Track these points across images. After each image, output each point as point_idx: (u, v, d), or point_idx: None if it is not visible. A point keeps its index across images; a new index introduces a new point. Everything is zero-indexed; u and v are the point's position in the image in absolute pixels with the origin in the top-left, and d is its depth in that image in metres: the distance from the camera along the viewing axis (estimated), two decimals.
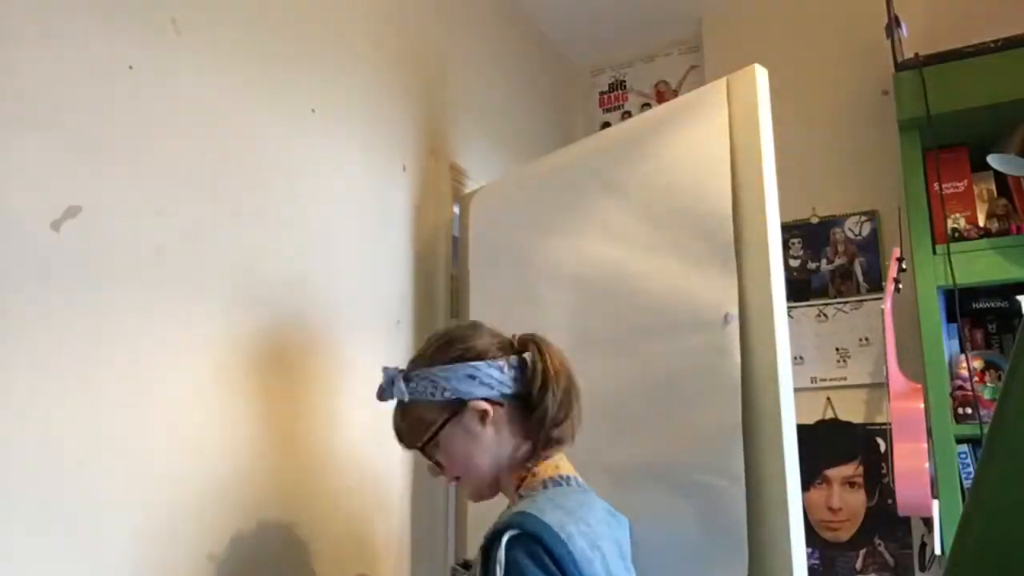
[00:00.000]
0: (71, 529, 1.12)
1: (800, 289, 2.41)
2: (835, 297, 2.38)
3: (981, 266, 1.99)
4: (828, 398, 2.35)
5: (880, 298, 2.24)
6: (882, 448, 2.26)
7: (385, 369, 1.24)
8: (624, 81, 2.95)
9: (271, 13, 1.57)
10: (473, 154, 2.23)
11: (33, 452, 1.08)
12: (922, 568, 2.16)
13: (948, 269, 1.97)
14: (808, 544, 2.02)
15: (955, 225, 2.08)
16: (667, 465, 1.47)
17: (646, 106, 2.86)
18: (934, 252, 2.03)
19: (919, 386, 1.96)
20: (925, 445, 1.90)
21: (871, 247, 2.37)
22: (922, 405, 1.93)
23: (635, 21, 2.78)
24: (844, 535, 2.26)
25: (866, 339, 2.33)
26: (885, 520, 2.21)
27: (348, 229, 1.71)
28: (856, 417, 2.31)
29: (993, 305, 2.11)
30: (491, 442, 1.20)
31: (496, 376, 1.19)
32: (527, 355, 1.20)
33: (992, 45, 2.01)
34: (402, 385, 1.21)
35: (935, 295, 2.00)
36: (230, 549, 1.35)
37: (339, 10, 1.76)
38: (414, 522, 1.80)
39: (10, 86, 1.10)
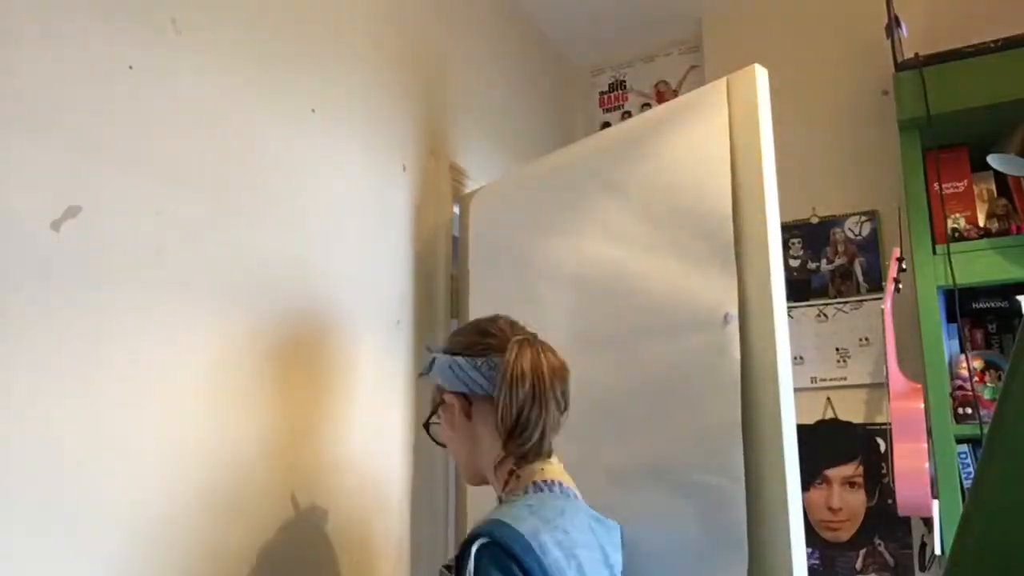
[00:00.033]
0: (71, 529, 1.12)
1: (800, 289, 2.41)
2: (835, 297, 2.38)
3: (981, 266, 1.99)
4: (828, 398, 2.35)
5: (880, 298, 2.25)
6: (882, 448, 2.26)
7: (427, 348, 1.36)
8: (624, 81, 2.95)
9: (271, 13, 1.57)
10: (473, 154, 2.23)
11: (33, 452, 1.08)
12: (922, 568, 2.16)
13: (948, 269, 1.97)
14: (808, 544, 2.02)
15: (955, 225, 2.08)
16: (667, 465, 1.46)
17: (646, 106, 2.86)
18: (934, 252, 2.03)
19: (919, 386, 1.96)
20: (925, 445, 1.90)
21: (871, 247, 2.37)
22: (922, 405, 1.93)
23: (635, 21, 2.78)
24: (844, 535, 2.26)
25: (866, 339, 2.33)
26: (885, 520, 2.21)
27: (348, 229, 1.71)
28: (856, 417, 2.31)
29: (993, 305, 2.11)
30: (468, 435, 1.25)
31: (471, 374, 1.22)
32: (503, 356, 1.20)
33: (992, 45, 2.01)
34: (427, 363, 1.31)
35: (935, 295, 2.00)
36: (230, 549, 1.35)
37: (339, 10, 1.76)
38: (414, 523, 1.80)
39: (10, 86, 1.10)
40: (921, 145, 2.09)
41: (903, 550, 2.19)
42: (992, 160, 1.98)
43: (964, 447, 1.97)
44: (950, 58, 2.04)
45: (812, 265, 2.43)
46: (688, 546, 1.40)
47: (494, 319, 1.29)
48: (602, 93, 2.99)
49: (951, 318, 2.07)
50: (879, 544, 2.22)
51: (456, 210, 2.08)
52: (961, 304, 2.03)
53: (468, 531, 1.10)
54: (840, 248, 2.40)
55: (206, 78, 1.41)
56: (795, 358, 2.33)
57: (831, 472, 2.30)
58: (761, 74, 1.47)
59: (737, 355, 1.39)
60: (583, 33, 2.83)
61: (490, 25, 2.48)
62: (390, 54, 1.92)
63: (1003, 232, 2.03)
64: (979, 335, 2.12)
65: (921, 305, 2.00)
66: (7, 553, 1.04)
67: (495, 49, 2.48)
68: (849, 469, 2.28)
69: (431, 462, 1.87)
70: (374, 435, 1.71)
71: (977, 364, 2.07)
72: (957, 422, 1.97)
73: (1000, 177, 2.12)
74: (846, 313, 2.37)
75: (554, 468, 1.21)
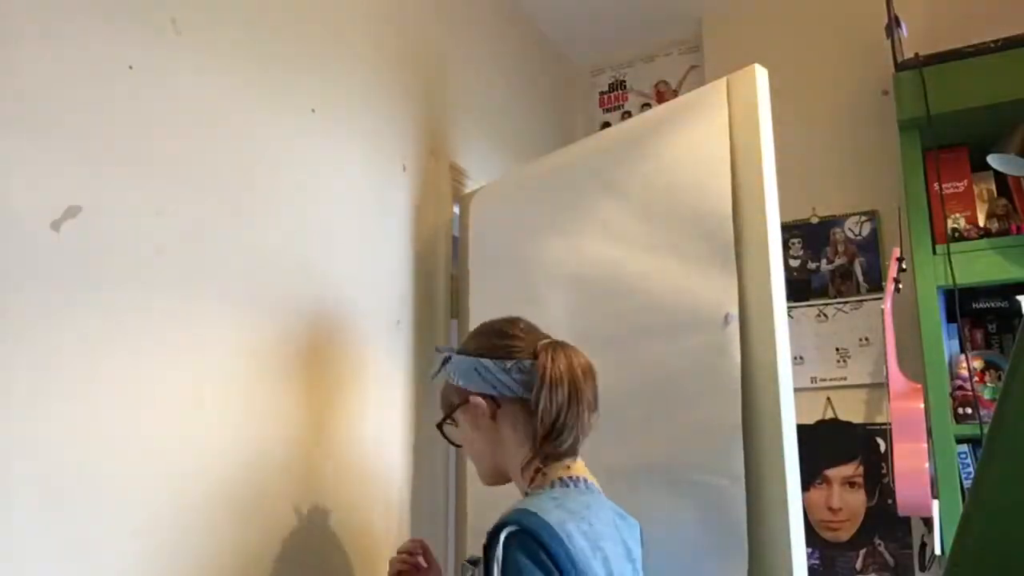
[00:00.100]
0: (71, 529, 1.12)
1: (800, 289, 2.41)
2: (835, 297, 2.39)
3: (981, 266, 1.99)
4: (828, 398, 2.35)
5: (880, 298, 2.24)
6: (882, 448, 2.26)
7: (437, 349, 1.36)
8: (624, 81, 2.95)
9: (271, 13, 1.57)
10: (473, 154, 2.23)
11: (33, 452, 1.08)
12: (922, 568, 2.16)
13: (948, 269, 1.97)
14: (808, 544, 2.02)
15: (955, 225, 2.08)
16: (667, 465, 1.47)
17: (646, 106, 2.86)
18: (934, 252, 2.03)
19: (919, 386, 1.96)
20: (925, 445, 1.90)
21: (871, 247, 2.37)
22: (922, 405, 1.93)
23: (635, 21, 2.78)
24: (844, 535, 2.26)
25: (866, 339, 2.33)
26: (885, 520, 2.21)
27: (348, 229, 1.71)
28: (856, 417, 2.31)
29: (993, 305, 2.11)
30: (492, 436, 1.25)
31: (500, 377, 1.22)
32: (537, 361, 1.21)
33: (992, 45, 2.01)
34: (438, 365, 1.31)
35: (935, 295, 2.00)
36: (229, 549, 1.35)
37: (339, 10, 1.76)
38: (414, 523, 1.80)
39: (10, 86, 1.10)
40: (921, 145, 2.09)
41: (903, 550, 2.19)
42: (992, 160, 1.98)
43: (964, 447, 1.97)
44: (950, 58, 2.04)
45: (812, 265, 2.43)
46: (688, 546, 1.41)
47: (513, 321, 1.29)
48: (602, 93, 2.99)
49: (951, 318, 2.07)
50: (879, 544, 2.22)
51: (456, 210, 2.08)
52: (961, 304, 2.03)
53: (494, 523, 1.09)
54: (840, 248, 2.40)
55: (206, 78, 1.41)
56: (795, 358, 2.33)
57: (831, 472, 2.30)
58: (761, 74, 1.47)
59: (737, 355, 1.39)
60: (583, 33, 2.83)
61: (490, 25, 2.48)
62: (390, 54, 1.92)
63: (1003, 232, 2.03)
64: (979, 335, 2.12)
65: (921, 305, 2.01)
66: (7, 553, 1.04)
67: (495, 49, 2.48)
68: (849, 469, 2.28)
69: (431, 462, 1.87)
70: (374, 435, 1.71)
71: (977, 364, 2.07)
72: (957, 422, 1.97)
73: (1000, 177, 2.12)
74: (846, 313, 2.37)
75: (579, 466, 1.22)
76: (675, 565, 1.41)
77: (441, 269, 2.00)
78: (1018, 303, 2.07)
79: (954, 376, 2.03)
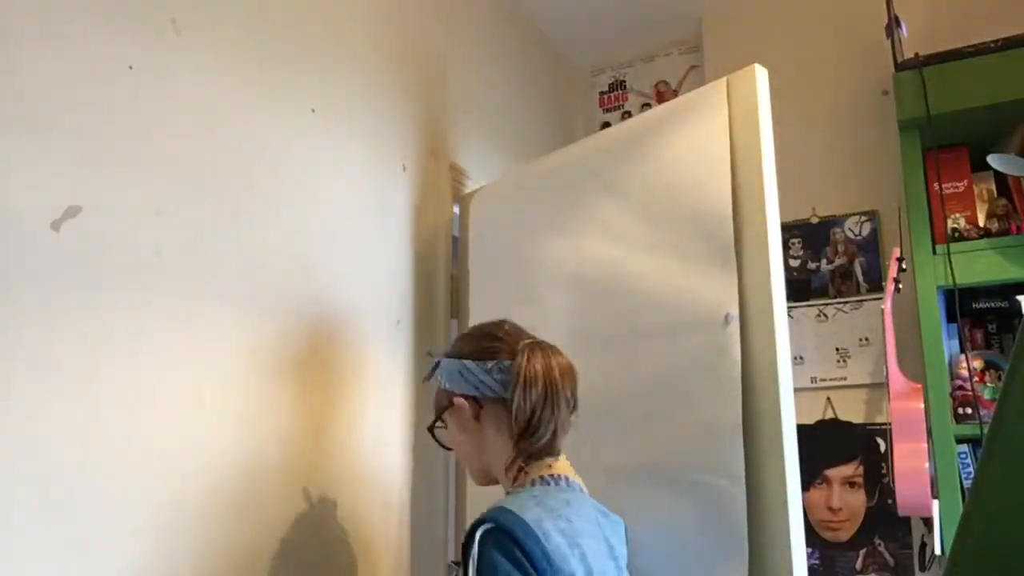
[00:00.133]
0: (71, 529, 1.12)
1: (800, 289, 2.41)
2: (835, 297, 2.38)
3: (981, 266, 1.99)
4: (828, 398, 2.35)
5: (880, 298, 2.24)
6: (882, 448, 2.26)
7: (428, 352, 1.39)
8: (624, 81, 2.95)
9: (271, 13, 1.57)
10: (473, 154, 2.23)
11: (33, 452, 1.08)
12: (922, 568, 2.16)
13: (948, 269, 1.97)
14: (808, 544, 2.02)
15: (955, 225, 2.08)
16: (667, 465, 1.46)
17: (646, 106, 2.86)
18: (934, 252, 2.03)
19: (919, 386, 1.96)
20: (925, 445, 1.90)
21: (871, 247, 2.37)
22: (922, 405, 1.93)
23: (635, 21, 2.78)
24: (844, 535, 2.26)
25: (866, 339, 2.33)
26: (885, 520, 2.21)
27: (348, 229, 1.71)
28: (856, 417, 2.31)
29: (993, 305, 2.11)
30: (478, 437, 1.27)
31: (482, 378, 1.24)
32: (515, 360, 1.22)
33: (992, 45, 2.01)
34: (430, 368, 1.34)
35: (935, 295, 2.00)
36: (229, 549, 1.35)
37: (339, 10, 1.76)
38: (414, 523, 1.80)
39: (10, 86, 1.10)
40: (921, 145, 2.09)
41: (903, 550, 2.19)
42: (992, 160, 1.98)
43: (964, 447, 1.97)
44: (950, 58, 2.04)
45: (812, 265, 2.43)
46: (688, 546, 1.41)
47: (499, 323, 1.31)
48: (602, 93, 2.99)
49: (951, 318, 2.07)
50: (879, 544, 2.22)
51: (456, 210, 2.08)
52: (961, 304, 2.03)
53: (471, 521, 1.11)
54: (840, 248, 2.40)
55: (206, 78, 1.41)
56: (795, 358, 2.33)
57: (831, 472, 2.30)
58: (761, 74, 1.47)
59: (737, 355, 1.39)
60: (583, 33, 2.83)
61: (490, 25, 2.48)
62: (390, 54, 1.92)
63: (1003, 232, 2.03)
64: (979, 335, 2.12)
65: (921, 305, 2.00)
66: (7, 553, 1.04)
67: (495, 49, 2.48)
68: (849, 469, 2.28)
69: (431, 462, 1.87)
70: (374, 435, 1.71)
71: (977, 364, 2.07)
72: (957, 422, 1.97)
73: (1000, 177, 2.12)
74: (846, 313, 2.37)
75: (562, 464, 1.23)
76: (675, 565, 1.41)
77: (441, 269, 2.00)
78: (1018, 303, 2.07)
79: (954, 376, 2.03)
